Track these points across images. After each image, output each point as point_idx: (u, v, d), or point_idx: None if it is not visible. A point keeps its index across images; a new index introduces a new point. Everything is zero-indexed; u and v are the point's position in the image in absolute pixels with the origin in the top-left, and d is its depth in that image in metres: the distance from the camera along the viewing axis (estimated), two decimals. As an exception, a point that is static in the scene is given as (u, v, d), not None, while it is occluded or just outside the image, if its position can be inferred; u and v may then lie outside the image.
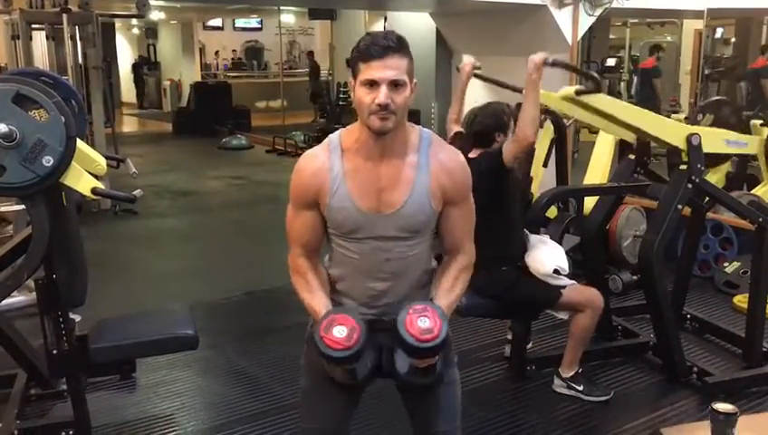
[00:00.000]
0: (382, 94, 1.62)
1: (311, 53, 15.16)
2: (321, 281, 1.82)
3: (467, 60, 3.48)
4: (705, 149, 3.25)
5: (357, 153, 1.72)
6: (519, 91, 3.07)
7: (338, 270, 1.84)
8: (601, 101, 3.21)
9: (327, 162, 1.73)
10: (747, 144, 3.86)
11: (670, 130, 3.33)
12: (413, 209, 1.72)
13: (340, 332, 1.61)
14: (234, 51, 18.04)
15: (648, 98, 8.90)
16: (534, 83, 2.89)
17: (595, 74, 3.26)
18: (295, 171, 1.78)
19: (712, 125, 4.95)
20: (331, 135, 1.79)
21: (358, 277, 1.81)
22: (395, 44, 1.64)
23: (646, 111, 3.46)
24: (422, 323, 1.60)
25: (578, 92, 3.13)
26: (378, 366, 1.79)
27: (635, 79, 9.82)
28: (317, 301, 1.78)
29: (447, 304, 1.76)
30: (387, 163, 1.71)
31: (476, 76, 3.55)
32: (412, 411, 1.92)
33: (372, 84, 1.63)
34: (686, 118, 5.47)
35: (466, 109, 3.32)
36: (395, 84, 1.63)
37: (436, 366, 1.74)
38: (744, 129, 4.98)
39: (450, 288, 1.80)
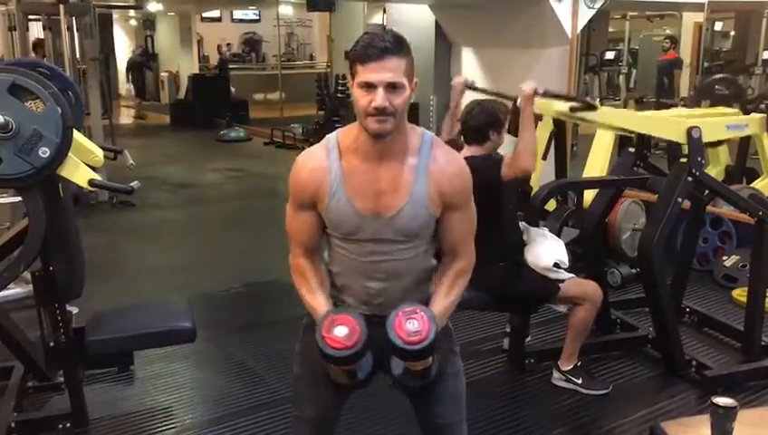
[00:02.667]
0: (379, 97, 1.59)
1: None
2: (321, 280, 1.82)
3: (459, 78, 3.48)
4: (707, 139, 3.23)
5: (355, 154, 1.70)
6: (512, 99, 3.09)
7: (336, 268, 1.84)
8: (597, 115, 3.20)
9: (325, 163, 1.71)
10: (747, 125, 3.80)
11: (670, 126, 3.32)
12: (410, 214, 1.71)
13: (341, 331, 1.60)
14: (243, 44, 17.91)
15: (665, 91, 8.94)
16: (529, 116, 2.91)
17: (589, 100, 3.26)
18: (293, 171, 1.76)
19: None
20: (329, 135, 1.77)
21: (355, 276, 1.80)
22: (393, 45, 1.60)
23: (641, 113, 3.46)
24: (410, 325, 1.60)
25: (572, 109, 3.13)
26: (377, 362, 1.78)
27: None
28: (317, 301, 1.78)
29: (442, 309, 1.76)
30: (386, 165, 1.69)
31: (470, 88, 3.50)
32: (416, 402, 1.91)
33: (369, 86, 1.60)
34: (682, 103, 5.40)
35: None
36: (392, 86, 1.60)
37: (431, 369, 1.72)
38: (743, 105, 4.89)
39: (447, 293, 1.79)
